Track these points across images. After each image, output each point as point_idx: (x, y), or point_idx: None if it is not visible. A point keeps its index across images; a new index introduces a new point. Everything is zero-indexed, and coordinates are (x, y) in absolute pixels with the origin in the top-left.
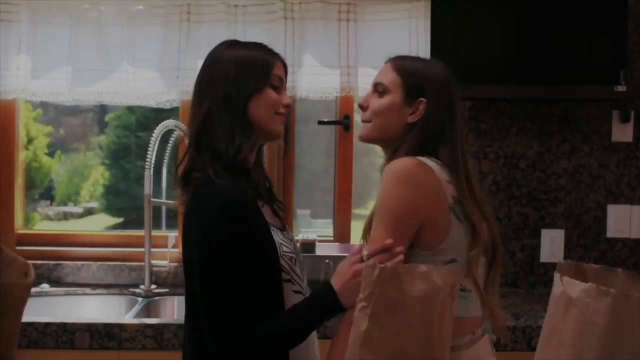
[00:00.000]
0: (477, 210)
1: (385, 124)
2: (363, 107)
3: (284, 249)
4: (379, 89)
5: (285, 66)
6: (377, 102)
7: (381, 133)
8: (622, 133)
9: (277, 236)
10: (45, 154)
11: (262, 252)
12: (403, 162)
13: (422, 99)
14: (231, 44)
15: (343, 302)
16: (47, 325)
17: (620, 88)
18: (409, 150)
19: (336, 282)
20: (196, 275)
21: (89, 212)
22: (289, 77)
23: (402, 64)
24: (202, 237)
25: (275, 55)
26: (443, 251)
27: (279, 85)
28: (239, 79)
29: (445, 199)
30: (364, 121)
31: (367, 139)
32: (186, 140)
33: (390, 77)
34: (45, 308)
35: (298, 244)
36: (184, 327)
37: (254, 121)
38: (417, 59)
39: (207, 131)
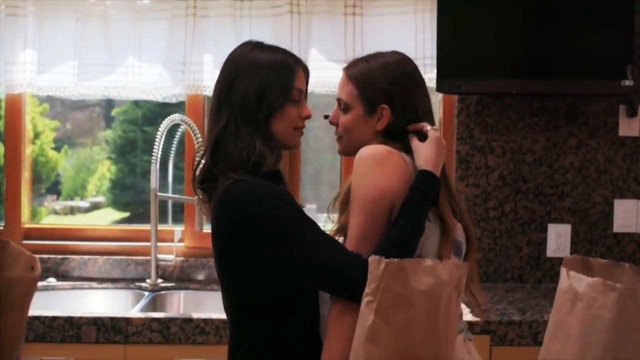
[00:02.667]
0: (448, 208)
1: (356, 139)
2: (333, 123)
3: None
4: (341, 106)
5: (307, 72)
6: (343, 119)
7: (355, 147)
8: (629, 127)
9: None
10: (52, 148)
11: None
12: (374, 147)
13: (384, 105)
14: (254, 47)
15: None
16: (54, 319)
17: (627, 82)
18: None
19: (424, 163)
20: (288, 263)
21: (95, 206)
22: None
23: (354, 73)
24: (271, 224)
25: (299, 64)
26: None
27: (299, 99)
28: (259, 98)
29: None
30: (337, 137)
31: (344, 154)
32: (193, 138)
33: (347, 91)
34: (51, 302)
35: None
36: (232, 327)
37: (274, 134)
38: (369, 59)
39: (225, 142)
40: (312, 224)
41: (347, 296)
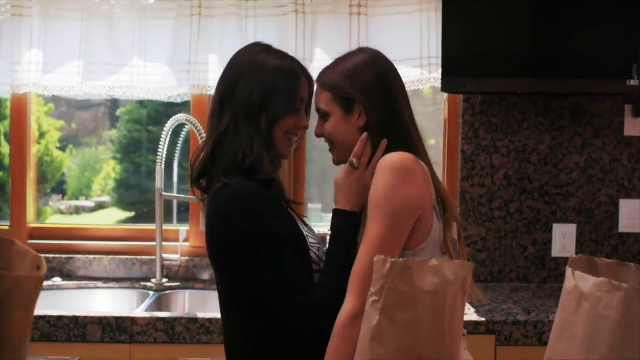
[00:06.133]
0: (455, 205)
1: (344, 142)
2: (319, 136)
3: (311, 240)
4: (321, 115)
5: (311, 83)
6: (327, 128)
7: (346, 151)
8: (634, 127)
9: (303, 229)
10: (57, 148)
11: (295, 241)
12: (401, 156)
13: (359, 101)
14: (262, 50)
15: (356, 209)
16: (59, 318)
17: (633, 82)
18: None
19: (340, 201)
20: (243, 272)
21: (100, 206)
22: None
23: (326, 80)
24: (240, 232)
25: (304, 74)
26: (422, 251)
27: (300, 109)
28: (263, 103)
29: (432, 197)
30: (329, 149)
31: (339, 163)
32: (198, 137)
33: (323, 99)
34: (57, 301)
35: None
36: (226, 325)
37: (274, 142)
38: (336, 63)
39: (225, 142)
40: (282, 244)
41: (291, 322)
